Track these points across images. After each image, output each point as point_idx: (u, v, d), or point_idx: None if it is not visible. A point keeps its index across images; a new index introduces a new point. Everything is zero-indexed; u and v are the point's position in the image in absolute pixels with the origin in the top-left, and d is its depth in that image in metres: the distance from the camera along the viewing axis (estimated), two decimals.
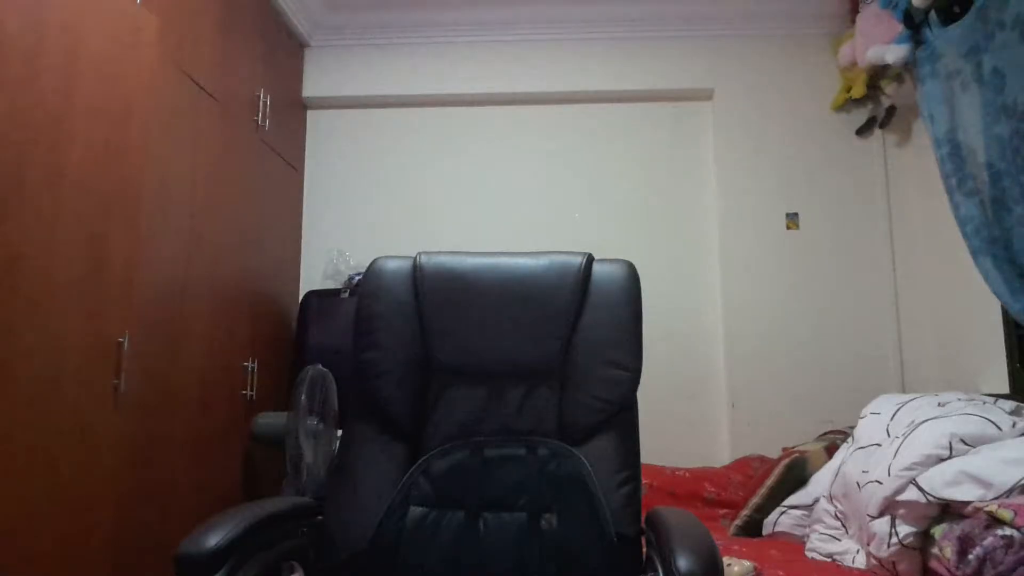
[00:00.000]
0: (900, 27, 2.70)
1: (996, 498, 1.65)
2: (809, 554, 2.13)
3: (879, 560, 1.86)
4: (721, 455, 3.11)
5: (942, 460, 1.81)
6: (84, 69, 1.78)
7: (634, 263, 1.50)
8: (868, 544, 1.91)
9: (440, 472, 1.37)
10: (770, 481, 2.45)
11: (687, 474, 2.82)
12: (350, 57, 3.51)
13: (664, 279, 3.29)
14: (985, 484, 1.69)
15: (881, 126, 3.24)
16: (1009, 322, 2.48)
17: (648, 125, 3.46)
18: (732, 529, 2.43)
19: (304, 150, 3.51)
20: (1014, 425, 1.88)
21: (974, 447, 1.83)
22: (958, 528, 1.66)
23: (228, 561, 1.04)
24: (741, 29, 3.41)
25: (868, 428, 2.23)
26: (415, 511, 1.34)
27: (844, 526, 2.12)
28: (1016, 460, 1.70)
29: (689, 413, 3.22)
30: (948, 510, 1.77)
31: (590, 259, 1.50)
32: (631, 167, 3.43)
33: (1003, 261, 2.21)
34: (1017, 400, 2.10)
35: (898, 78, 2.98)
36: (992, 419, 1.89)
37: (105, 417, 1.83)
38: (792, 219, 3.29)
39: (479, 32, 3.50)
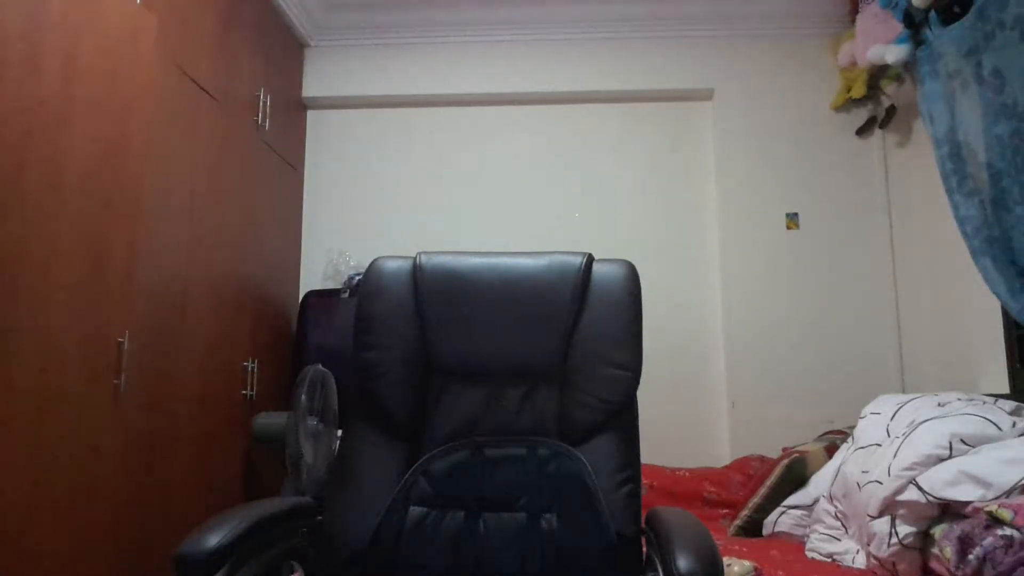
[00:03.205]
0: (900, 27, 2.70)
1: (996, 498, 1.65)
2: (809, 554, 2.13)
3: (879, 560, 1.86)
4: (721, 455, 3.11)
5: (942, 460, 1.81)
6: (84, 69, 1.78)
7: (634, 263, 1.50)
8: (868, 544, 1.91)
9: (440, 472, 1.37)
10: (770, 481, 2.46)
11: (687, 474, 2.82)
12: (350, 57, 3.51)
13: (664, 279, 3.29)
14: (985, 484, 1.69)
15: (881, 126, 3.24)
16: (1009, 322, 2.48)
17: (648, 125, 3.46)
18: (732, 529, 2.43)
19: (304, 150, 3.52)
20: (1014, 425, 1.88)
21: (974, 447, 1.83)
22: (958, 528, 1.66)
23: (228, 561, 1.04)
24: (741, 29, 3.41)
25: (868, 428, 2.23)
26: (415, 511, 1.34)
27: (844, 526, 2.12)
28: (1016, 460, 1.70)
29: (689, 413, 3.22)
30: (948, 510, 1.77)
31: (590, 259, 1.50)
32: (631, 167, 3.43)
33: (1003, 261, 2.20)
34: (1017, 400, 2.10)
35: (898, 78, 2.98)
36: (992, 419, 1.89)
37: (105, 417, 1.83)
38: (792, 219, 3.29)
39: (479, 32, 3.50)
